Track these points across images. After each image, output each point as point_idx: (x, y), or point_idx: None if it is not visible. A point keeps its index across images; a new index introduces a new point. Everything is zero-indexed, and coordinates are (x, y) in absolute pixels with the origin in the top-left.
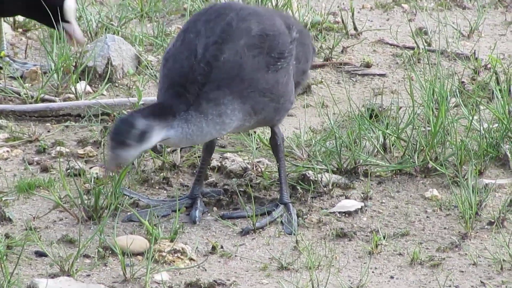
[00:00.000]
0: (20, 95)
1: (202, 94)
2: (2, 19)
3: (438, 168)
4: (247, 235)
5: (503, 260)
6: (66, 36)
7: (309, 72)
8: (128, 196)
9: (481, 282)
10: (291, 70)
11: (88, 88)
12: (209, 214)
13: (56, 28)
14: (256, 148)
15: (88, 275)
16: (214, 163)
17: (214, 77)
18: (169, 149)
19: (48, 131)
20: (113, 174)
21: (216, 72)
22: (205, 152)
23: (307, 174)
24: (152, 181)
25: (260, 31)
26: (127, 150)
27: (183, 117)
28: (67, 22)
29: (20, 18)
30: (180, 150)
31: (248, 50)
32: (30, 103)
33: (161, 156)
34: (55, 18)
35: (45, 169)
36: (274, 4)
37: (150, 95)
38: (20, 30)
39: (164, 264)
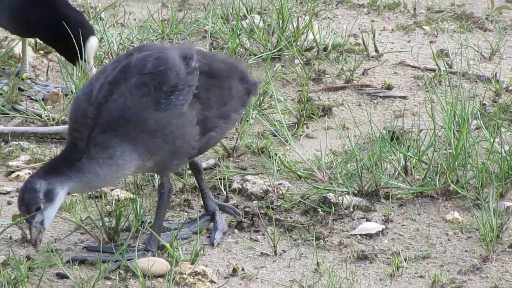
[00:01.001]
0: (41, 117)
1: (91, 140)
2: (26, 42)
3: (459, 191)
4: (268, 257)
5: None
6: (82, 72)
7: (234, 116)
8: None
9: None
10: (189, 111)
11: None
12: (229, 236)
13: (73, 63)
14: (277, 170)
15: None
16: (235, 185)
17: (101, 120)
18: (190, 171)
19: None
20: (39, 242)
21: (104, 114)
22: (194, 172)
23: (328, 196)
24: (173, 203)
25: (152, 69)
26: (42, 214)
27: (77, 167)
28: (86, 61)
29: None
30: (192, 174)
31: (136, 89)
32: (52, 125)
33: (182, 178)
34: (75, 53)
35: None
36: (295, 26)
37: None
38: (41, 52)
39: (185, 286)
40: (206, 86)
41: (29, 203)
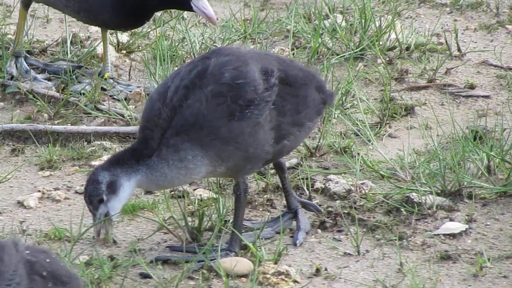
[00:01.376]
0: (124, 116)
1: (163, 140)
2: (107, 41)
3: None
4: (351, 257)
5: None
6: (198, 12)
7: (308, 124)
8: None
9: None
10: (263, 119)
11: None
12: (313, 236)
13: (189, 8)
14: (360, 170)
15: None
16: (318, 185)
17: (175, 123)
18: (272, 171)
19: None
20: (105, 234)
21: (178, 118)
22: (278, 171)
23: (411, 196)
24: (256, 203)
25: (230, 80)
26: (106, 206)
27: (146, 162)
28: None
29: (123, 39)
30: (276, 173)
31: (212, 98)
32: (134, 124)
33: (264, 178)
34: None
35: (149, 191)
36: (377, 26)
37: None
38: (124, 52)
39: (268, 286)
40: (282, 93)
41: (92, 195)
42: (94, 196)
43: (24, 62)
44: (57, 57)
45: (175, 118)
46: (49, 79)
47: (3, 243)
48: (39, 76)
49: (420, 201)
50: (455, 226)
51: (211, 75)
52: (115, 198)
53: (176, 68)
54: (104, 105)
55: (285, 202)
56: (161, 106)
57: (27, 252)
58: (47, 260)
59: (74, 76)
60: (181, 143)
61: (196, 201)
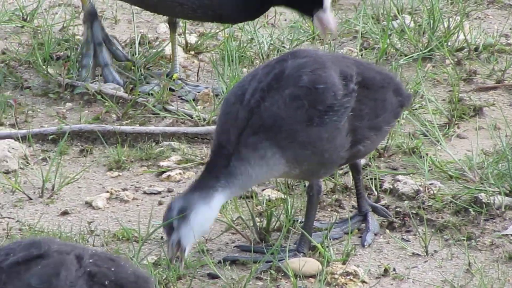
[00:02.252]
0: (192, 117)
1: (241, 141)
2: (176, 42)
3: None
4: (419, 258)
5: None
6: (317, 24)
7: (385, 128)
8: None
9: None
10: (342, 125)
11: None
12: (381, 237)
13: (310, 14)
14: (428, 170)
15: None
16: (386, 185)
17: (253, 123)
18: (340, 171)
19: None
20: (181, 262)
21: (255, 118)
22: (353, 172)
23: (479, 196)
24: (324, 204)
25: (308, 83)
26: (178, 233)
27: (226, 173)
28: (322, 9)
29: (192, 40)
30: (351, 173)
31: (290, 101)
32: (202, 125)
33: (333, 178)
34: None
35: None
36: (446, 26)
37: None
38: (192, 52)
39: (336, 286)
40: (359, 96)
41: (163, 221)
42: (167, 223)
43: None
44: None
45: (252, 118)
46: None
47: (64, 258)
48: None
49: (488, 201)
50: None
51: (288, 77)
52: (187, 226)
53: (252, 70)
54: (172, 105)
55: (353, 202)
56: (238, 108)
57: (91, 261)
58: (112, 269)
59: (142, 77)
60: (259, 141)
61: (265, 201)
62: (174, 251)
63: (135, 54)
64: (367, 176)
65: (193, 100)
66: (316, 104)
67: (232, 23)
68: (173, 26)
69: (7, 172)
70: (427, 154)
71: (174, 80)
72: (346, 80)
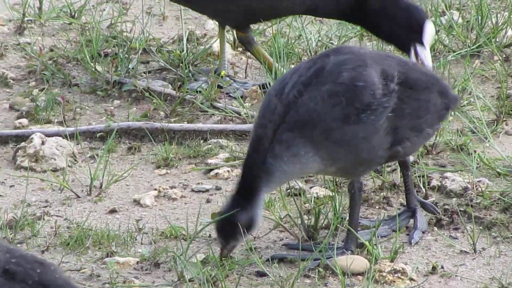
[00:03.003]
0: (240, 114)
1: (276, 137)
2: (224, 38)
3: None
4: (467, 255)
5: None
6: (413, 57)
7: (428, 131)
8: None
9: None
10: (379, 124)
11: None
12: (429, 234)
13: (406, 50)
14: (476, 168)
15: None
16: (434, 182)
17: (289, 119)
18: (388, 169)
19: None
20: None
21: (292, 113)
22: (402, 168)
23: None
24: (372, 201)
25: (348, 80)
26: (237, 240)
27: (264, 171)
28: (422, 45)
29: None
30: (400, 170)
31: (328, 97)
32: (250, 122)
33: (381, 175)
34: (409, 38)
35: None
36: (494, 22)
37: None
38: (240, 49)
39: (384, 284)
40: (401, 96)
41: (228, 237)
42: (231, 238)
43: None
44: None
45: (289, 113)
46: None
47: None
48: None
49: None
50: None
51: (328, 73)
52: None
53: (294, 66)
54: (220, 103)
55: (401, 200)
56: (277, 102)
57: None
58: (38, 271)
59: (190, 74)
60: (293, 139)
61: (312, 199)
62: (228, 252)
63: (183, 51)
64: (415, 174)
65: (241, 97)
66: (353, 102)
67: (327, 17)
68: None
69: (55, 170)
70: (475, 151)
71: (222, 77)
72: (387, 80)
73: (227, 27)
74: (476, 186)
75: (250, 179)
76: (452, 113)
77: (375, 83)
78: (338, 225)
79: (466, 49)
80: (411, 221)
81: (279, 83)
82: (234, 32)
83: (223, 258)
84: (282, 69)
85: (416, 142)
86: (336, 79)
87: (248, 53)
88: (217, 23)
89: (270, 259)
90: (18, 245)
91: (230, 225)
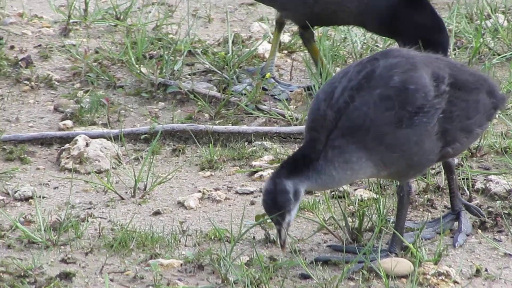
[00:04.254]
0: (284, 117)
1: (328, 142)
2: (278, 41)
3: None
4: (511, 258)
5: None
6: None
7: (477, 131)
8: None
9: None
10: (431, 127)
11: None
12: (473, 237)
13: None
14: None
15: None
16: (479, 185)
17: (341, 125)
18: (433, 171)
19: None
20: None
21: (344, 119)
22: (446, 171)
23: None
24: (416, 203)
25: (399, 83)
26: (290, 214)
27: (314, 167)
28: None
29: (285, 39)
30: (444, 173)
31: (380, 101)
32: (295, 125)
33: (425, 178)
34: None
35: (309, 192)
36: None
37: None
38: (285, 52)
39: (428, 287)
40: (451, 98)
41: (283, 205)
42: (286, 206)
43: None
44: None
45: (341, 119)
46: None
47: None
48: None
49: None
50: None
51: (379, 77)
52: (295, 205)
53: (344, 67)
54: (265, 105)
55: (445, 202)
56: (327, 107)
57: None
58: None
59: (235, 76)
60: (346, 145)
61: (357, 201)
62: (286, 232)
63: (228, 53)
64: (459, 176)
65: (286, 99)
66: (406, 105)
67: (374, 33)
68: (280, 26)
69: (99, 172)
70: None
71: (267, 79)
72: (438, 81)
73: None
74: None
75: (303, 168)
76: (497, 115)
77: (427, 85)
78: (382, 228)
79: (511, 52)
80: (456, 223)
81: (328, 86)
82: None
83: (283, 246)
84: (328, 71)
85: (466, 142)
86: (387, 83)
87: (294, 55)
88: (276, 24)
89: (314, 262)
90: (62, 247)
91: (279, 194)
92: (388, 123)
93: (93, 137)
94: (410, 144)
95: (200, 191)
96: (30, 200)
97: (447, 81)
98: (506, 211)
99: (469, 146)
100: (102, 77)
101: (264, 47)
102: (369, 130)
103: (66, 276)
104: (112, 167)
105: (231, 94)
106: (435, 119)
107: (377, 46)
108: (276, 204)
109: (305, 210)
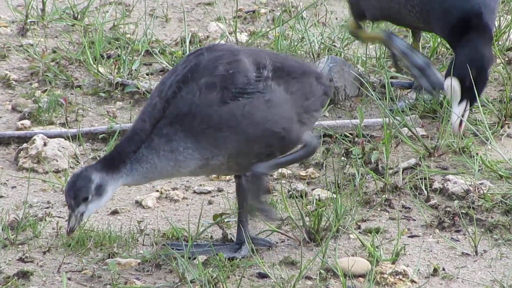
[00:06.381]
0: None
1: (155, 130)
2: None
3: None
4: (469, 257)
5: None
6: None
7: (314, 114)
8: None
9: None
10: (261, 103)
11: None
12: (431, 236)
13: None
14: (478, 170)
15: None
16: (436, 185)
17: (169, 113)
18: (391, 171)
19: None
20: (75, 230)
21: (171, 108)
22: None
23: None
24: (374, 203)
25: (224, 71)
26: (87, 206)
27: (133, 159)
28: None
29: (243, 39)
30: (402, 172)
31: (206, 88)
32: None
33: (383, 178)
34: None
35: (267, 191)
36: (496, 26)
37: (373, 116)
38: None
39: (386, 286)
40: (283, 80)
41: (80, 190)
42: (82, 192)
43: None
44: None
45: (169, 108)
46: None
47: None
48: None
49: None
50: None
51: (204, 68)
52: (97, 201)
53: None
54: None
55: (403, 202)
56: (157, 100)
57: None
58: None
59: None
60: (174, 133)
61: (314, 201)
62: (76, 221)
63: (186, 52)
64: (417, 176)
65: None
66: (229, 87)
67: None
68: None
69: (57, 171)
70: (477, 154)
71: None
72: (260, 68)
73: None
74: (478, 188)
75: (119, 162)
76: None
77: (249, 69)
78: (340, 227)
79: None
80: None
81: (160, 84)
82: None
83: (68, 233)
84: None
85: (308, 123)
86: (212, 72)
87: None
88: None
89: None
90: (20, 246)
91: (79, 178)
92: (212, 104)
93: (51, 136)
94: (236, 118)
95: (158, 191)
96: None
97: (270, 68)
98: (463, 211)
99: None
100: (60, 76)
101: None
102: (195, 115)
103: (24, 275)
104: (70, 167)
105: None
106: (260, 101)
107: (334, 45)
108: (73, 186)
109: None
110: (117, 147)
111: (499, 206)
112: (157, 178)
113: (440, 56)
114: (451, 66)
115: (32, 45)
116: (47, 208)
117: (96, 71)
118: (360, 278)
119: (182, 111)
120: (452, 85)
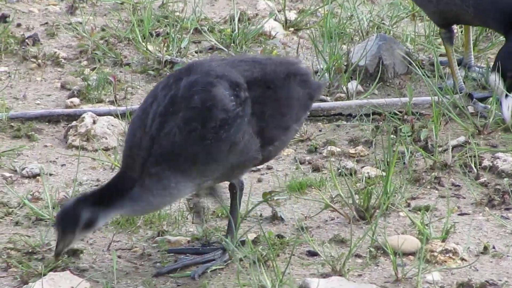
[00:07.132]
0: None
1: (144, 170)
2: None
3: None
4: None
5: None
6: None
7: (294, 127)
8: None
9: None
10: (242, 133)
11: (359, 88)
12: (480, 214)
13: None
14: None
15: (360, 275)
16: (486, 162)
17: (154, 152)
18: (440, 149)
19: (320, 131)
20: (61, 254)
21: (156, 146)
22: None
23: None
24: (424, 181)
25: (199, 103)
26: (74, 237)
27: (129, 196)
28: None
29: (291, 17)
30: (452, 150)
31: (184, 124)
32: None
33: (432, 155)
34: None
35: (316, 169)
36: None
37: (422, 94)
38: (292, 29)
39: (436, 264)
40: (260, 99)
41: (66, 227)
42: (68, 230)
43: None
44: None
45: (154, 147)
46: None
47: None
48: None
49: None
50: None
51: (182, 99)
52: (85, 233)
53: (152, 89)
54: None
55: (453, 180)
56: (141, 135)
57: None
58: None
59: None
60: (162, 172)
61: (364, 178)
62: (62, 247)
63: (234, 30)
64: (466, 154)
65: None
66: (208, 123)
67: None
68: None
69: (106, 149)
70: None
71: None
72: (237, 90)
73: (279, 7)
74: None
75: (115, 197)
76: (505, 93)
77: (224, 99)
78: (390, 205)
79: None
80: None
81: (142, 112)
82: None
83: (56, 255)
84: (334, 49)
85: (285, 140)
86: (188, 104)
87: (300, 33)
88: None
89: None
90: None
91: (67, 216)
92: (195, 143)
93: (100, 114)
94: (222, 154)
95: None
96: (38, 177)
97: (244, 87)
98: None
99: (288, 143)
100: (109, 54)
101: (270, 25)
102: (180, 154)
103: (74, 253)
104: (119, 144)
105: None
106: (243, 126)
107: (383, 23)
108: (60, 221)
109: (312, 187)
110: (114, 181)
111: None
112: (156, 210)
113: (489, 34)
114: (495, 62)
115: (81, 23)
116: (97, 186)
117: (145, 49)
118: (410, 256)
119: (166, 150)
120: (496, 79)
